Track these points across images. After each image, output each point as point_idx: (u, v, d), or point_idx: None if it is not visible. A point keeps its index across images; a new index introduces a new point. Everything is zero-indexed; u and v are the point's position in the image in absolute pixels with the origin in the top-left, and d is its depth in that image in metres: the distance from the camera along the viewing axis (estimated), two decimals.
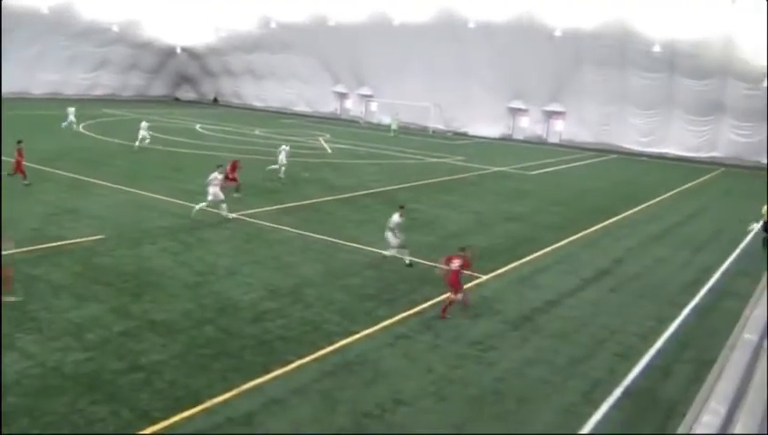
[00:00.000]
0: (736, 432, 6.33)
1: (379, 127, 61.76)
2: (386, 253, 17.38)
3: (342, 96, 70.04)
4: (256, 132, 48.93)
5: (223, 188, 21.32)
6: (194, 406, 9.34)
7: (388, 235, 17.26)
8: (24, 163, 24.43)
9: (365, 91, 67.00)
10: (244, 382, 10.14)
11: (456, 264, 13.84)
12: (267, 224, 20.81)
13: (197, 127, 49.25)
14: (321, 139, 47.98)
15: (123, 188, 24.59)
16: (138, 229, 18.93)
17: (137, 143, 35.02)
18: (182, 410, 9.19)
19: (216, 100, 79.17)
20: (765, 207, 23.23)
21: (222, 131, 47.63)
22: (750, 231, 24.06)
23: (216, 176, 20.94)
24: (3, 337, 10.97)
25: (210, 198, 20.76)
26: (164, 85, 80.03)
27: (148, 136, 35.78)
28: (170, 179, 27.18)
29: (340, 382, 10.45)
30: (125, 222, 19.63)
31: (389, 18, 55.20)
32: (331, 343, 11.87)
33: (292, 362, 11.00)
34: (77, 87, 69.07)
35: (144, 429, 8.70)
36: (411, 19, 54.37)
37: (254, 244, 18.43)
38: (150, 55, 73.51)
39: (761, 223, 23.29)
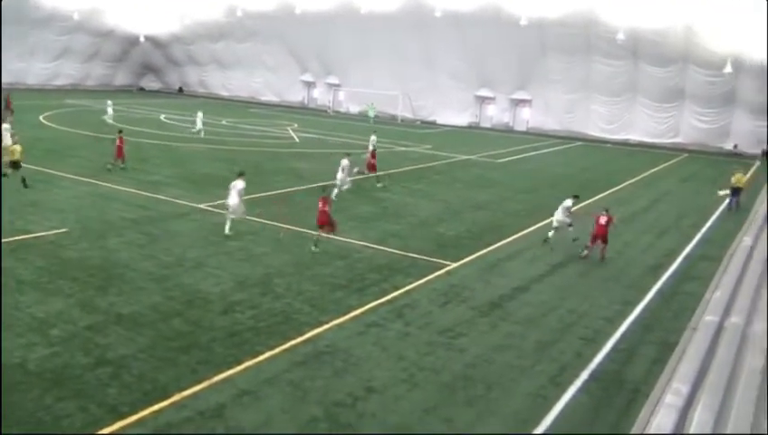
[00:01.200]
0: (698, 412, 6.50)
1: (347, 116, 61.61)
2: (549, 234, 19.41)
3: (310, 85, 69.52)
4: (223, 122, 48.32)
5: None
6: (163, 400, 9.25)
7: (559, 216, 19.24)
8: (124, 150, 26.90)
9: (333, 80, 66.60)
10: (215, 375, 10.07)
11: (603, 220, 18.06)
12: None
13: (162, 117, 48.45)
14: (288, 128, 47.61)
15: (87, 180, 24.11)
16: (102, 222, 18.59)
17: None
18: (151, 404, 9.09)
19: (181, 89, 77.92)
20: (734, 177, 27.20)
21: (188, 121, 46.90)
22: (719, 196, 27.13)
23: (238, 184, 18.61)
24: None
25: (230, 208, 18.46)
26: (128, 74, 78.40)
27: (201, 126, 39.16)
28: (135, 171, 26.71)
29: (311, 372, 10.45)
30: (89, 215, 19.26)
31: (357, 7, 54.87)
32: (302, 334, 11.85)
33: (262, 353, 10.96)
34: (38, 77, 67.34)
35: (112, 424, 8.59)
36: (378, 8, 54.13)
37: (221, 235, 18.22)
38: (113, 44, 71.90)
39: (728, 190, 26.88)
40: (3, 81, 62.23)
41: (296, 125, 49.81)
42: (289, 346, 11.31)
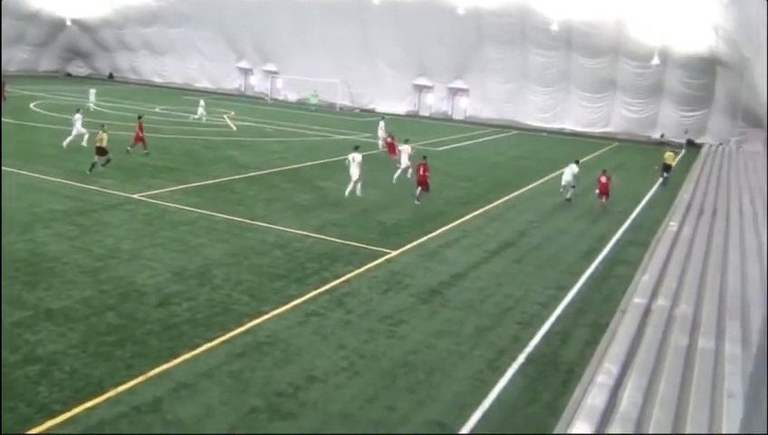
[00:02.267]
0: (628, 390, 6.79)
1: (286, 104, 60.93)
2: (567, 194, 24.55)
3: (247, 72, 68.29)
4: (156, 109, 46.96)
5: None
6: (96, 396, 8.97)
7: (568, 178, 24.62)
8: (143, 136, 28.18)
9: (270, 67, 65.61)
10: (151, 369, 9.84)
11: (603, 179, 23.48)
12: (170, 205, 20.12)
13: (91, 104, 46.69)
14: (225, 116, 46.70)
15: (11, 169, 23.00)
16: (29, 213, 17.81)
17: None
18: (83, 401, 8.81)
19: (111, 75, 75.22)
20: (666, 153, 31.50)
21: (119, 108, 45.39)
22: (655, 169, 31.62)
23: (355, 156, 23.03)
24: None
25: (355, 178, 22.63)
26: (53, 60, 75.00)
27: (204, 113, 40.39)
28: (63, 160, 25.69)
29: (251, 363, 10.34)
30: (15, 206, 18.39)
31: None
32: (241, 325, 11.70)
33: (200, 345, 10.77)
34: None
35: (42, 423, 8.28)
36: None
37: (156, 226, 17.78)
38: (38, 27, 68.53)
39: (661, 167, 30.98)
40: None
41: (233, 113, 48.92)
42: (228, 338, 11.15)
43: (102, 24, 69.64)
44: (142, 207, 19.70)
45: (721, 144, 44.67)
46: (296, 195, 23.07)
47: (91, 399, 8.89)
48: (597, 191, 24.30)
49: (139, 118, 29.34)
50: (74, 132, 28.63)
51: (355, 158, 23.24)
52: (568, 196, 25.10)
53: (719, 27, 39.18)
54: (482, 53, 53.81)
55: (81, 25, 70.05)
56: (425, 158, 24.32)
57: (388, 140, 32.97)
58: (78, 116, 29.38)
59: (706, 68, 45.57)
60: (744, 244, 14.38)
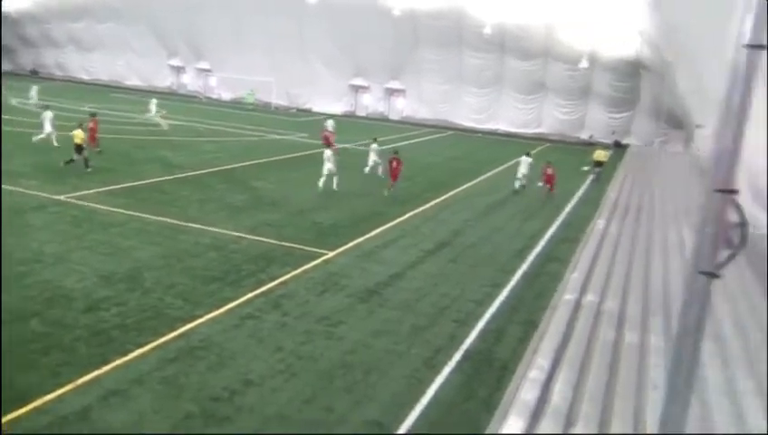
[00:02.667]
0: (559, 384, 6.99)
1: (220, 102, 59.83)
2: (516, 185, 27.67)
3: (179, 70, 66.62)
4: (84, 108, 45.24)
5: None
6: (21, 406, 8.58)
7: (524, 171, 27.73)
8: (97, 135, 27.79)
9: (204, 65, 64.23)
10: (79, 376, 9.48)
11: (549, 171, 26.41)
12: (99, 206, 19.43)
13: (14, 102, 44.63)
14: (157, 115, 45.40)
15: None
16: None
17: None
18: (7, 413, 8.40)
19: (35, 71, 71.99)
20: (595, 153, 34.06)
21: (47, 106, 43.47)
22: (584, 171, 33.77)
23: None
24: None
25: (332, 171, 24.62)
26: None
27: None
28: None
29: (185, 368, 10.11)
30: None
31: None
32: (174, 329, 11.42)
33: (131, 350, 10.45)
34: None
35: None
36: None
37: (84, 228, 17.14)
38: None
39: (592, 165, 33.36)
40: None
41: (165, 112, 47.62)
42: (160, 343, 10.86)
43: (25, 18, 66.57)
44: (69, 208, 18.95)
45: (646, 145, 46.56)
46: (231, 195, 22.69)
47: (15, 410, 8.49)
48: (540, 184, 28.09)
49: (93, 116, 29.10)
50: (46, 130, 28.49)
51: (326, 153, 25.41)
52: (517, 186, 28.06)
53: (644, 32, 40.88)
54: (418, 54, 54.28)
55: (2, 19, 66.69)
56: (396, 152, 26.17)
57: (326, 134, 34.66)
58: (48, 114, 29.05)
59: (632, 71, 47.45)
60: (667, 240, 15.04)
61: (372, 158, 28.88)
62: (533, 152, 36.04)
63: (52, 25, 66.94)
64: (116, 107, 47.54)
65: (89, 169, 24.01)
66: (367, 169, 28.74)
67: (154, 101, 43.33)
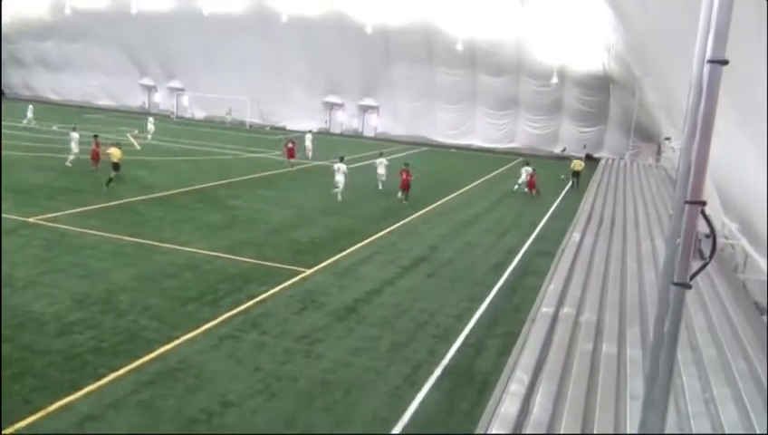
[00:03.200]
0: (539, 397, 7.04)
1: (193, 121, 59.56)
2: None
3: (151, 89, 66.23)
4: (54, 128, 44.73)
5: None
6: None
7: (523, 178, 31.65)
8: (100, 154, 28.73)
9: (176, 84, 63.95)
10: (52, 402, 9.30)
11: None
12: (70, 228, 19.17)
13: (26, 121, 44.16)
14: (128, 135, 45.07)
15: None
16: None
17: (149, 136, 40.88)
18: None
19: (1, 92, 70.95)
20: (573, 163, 37.15)
21: (11, 127, 42.88)
22: (561, 179, 37.04)
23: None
24: None
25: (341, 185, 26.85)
26: None
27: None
28: None
29: (162, 391, 9.98)
30: None
31: (198, 7, 53.20)
32: (150, 351, 11.27)
33: (105, 375, 10.29)
34: None
35: None
36: (222, 9, 52.87)
37: (55, 251, 16.89)
38: None
39: (570, 174, 36.35)
40: None
41: (137, 131, 47.29)
42: (136, 365, 10.72)
43: None
44: (40, 231, 18.67)
45: (616, 158, 47.31)
46: (206, 215, 22.55)
47: None
48: (526, 188, 32.41)
49: (95, 137, 30.65)
50: (74, 151, 30.49)
51: (340, 168, 27.35)
52: (515, 188, 32.67)
53: (611, 47, 41.73)
54: (390, 70, 54.69)
55: None
56: (407, 164, 28.58)
57: (289, 145, 35.87)
58: (74, 135, 30.95)
59: (601, 86, 48.37)
60: (641, 251, 15.26)
61: (381, 172, 30.46)
62: (507, 167, 36.58)
63: (20, 45, 66.18)
64: (87, 127, 47.01)
65: (107, 188, 25.31)
66: (381, 186, 30.32)
67: (151, 119, 45.78)
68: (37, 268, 15.31)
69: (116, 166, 26.15)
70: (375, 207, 26.50)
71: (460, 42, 48.16)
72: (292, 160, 35.48)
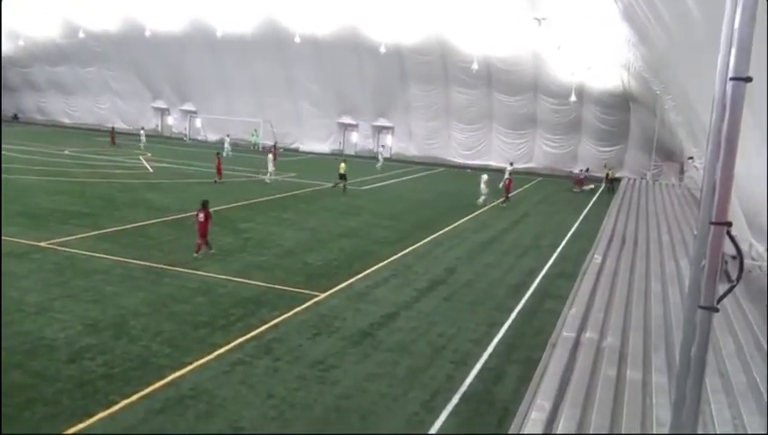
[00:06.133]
0: (561, 424, 6.95)
1: (205, 144, 60.19)
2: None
3: (164, 112, 67.15)
4: (66, 152, 45.40)
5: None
6: None
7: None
8: (222, 168, 36.46)
9: (189, 106, 64.81)
10: (62, 430, 9.32)
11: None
12: (81, 252, 19.35)
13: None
14: (141, 157, 45.62)
15: None
16: None
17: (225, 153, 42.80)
18: None
19: (16, 116, 72.30)
20: (606, 170, 43.83)
21: (24, 151, 43.62)
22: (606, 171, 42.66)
23: (483, 177, 34.36)
24: None
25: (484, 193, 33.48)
26: None
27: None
28: None
29: (173, 418, 9.96)
30: None
31: (212, 29, 54.02)
32: (162, 378, 11.28)
33: (117, 402, 10.30)
34: None
35: None
36: (235, 30, 53.62)
37: (66, 275, 17.03)
38: None
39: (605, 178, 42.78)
40: None
41: (150, 154, 47.85)
42: (147, 392, 10.72)
43: (5, 63, 67.14)
44: (51, 255, 18.86)
45: (637, 178, 47.07)
46: (218, 238, 22.65)
47: None
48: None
49: (218, 154, 37.65)
50: (270, 169, 37.90)
51: (483, 177, 34.05)
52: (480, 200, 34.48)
53: (630, 64, 41.72)
54: (405, 90, 55.05)
55: None
56: (510, 173, 35.58)
57: (273, 150, 41.35)
58: (269, 157, 38.90)
59: (621, 104, 48.31)
60: (665, 273, 15.10)
61: (483, 187, 34.03)
62: (524, 188, 36.49)
63: (33, 69, 67.54)
64: (98, 150, 47.72)
65: (344, 193, 33.72)
66: (480, 200, 33.96)
67: (227, 137, 51.44)
68: (48, 293, 15.44)
69: (342, 176, 35.90)
70: (388, 229, 26.46)
71: (476, 60, 48.41)
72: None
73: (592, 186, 46.01)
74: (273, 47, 54.04)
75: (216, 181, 35.72)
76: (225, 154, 41.05)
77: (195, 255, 19.78)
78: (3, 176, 32.42)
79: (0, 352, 9.59)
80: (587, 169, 52.13)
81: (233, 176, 39.58)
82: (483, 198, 34.19)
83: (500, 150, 55.32)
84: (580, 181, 45.40)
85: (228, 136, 54.21)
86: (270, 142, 60.00)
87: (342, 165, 37.30)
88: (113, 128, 58.10)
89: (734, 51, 3.41)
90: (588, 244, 23.95)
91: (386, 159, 56.91)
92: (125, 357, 12.11)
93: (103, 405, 10.17)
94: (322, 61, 53.80)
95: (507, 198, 35.86)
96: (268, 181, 37.05)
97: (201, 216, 20.17)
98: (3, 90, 72.10)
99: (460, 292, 18.20)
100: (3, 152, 42.09)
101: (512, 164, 37.34)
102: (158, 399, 10.56)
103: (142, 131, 55.50)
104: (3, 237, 20.31)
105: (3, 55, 65.53)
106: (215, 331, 13.77)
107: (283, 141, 60.89)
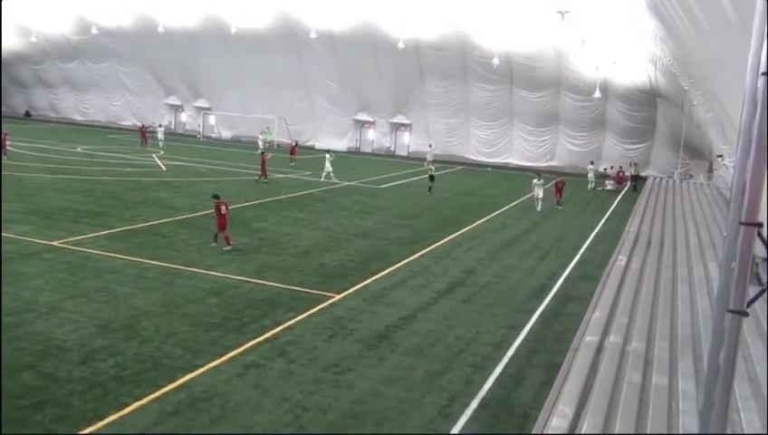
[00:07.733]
0: (583, 431, 6.90)
1: (219, 142, 60.54)
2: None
3: (177, 109, 67.63)
4: (78, 149, 45.92)
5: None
6: None
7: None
8: (267, 167, 36.95)
9: (202, 103, 65.20)
10: (74, 433, 9.42)
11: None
12: (94, 252, 19.56)
13: (7, 145, 45.34)
14: (154, 155, 46.01)
15: None
16: None
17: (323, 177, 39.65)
18: None
19: (28, 113, 73.22)
20: (634, 168, 44.81)
21: (36, 149, 44.17)
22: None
23: (537, 182, 33.83)
24: None
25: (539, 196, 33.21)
26: None
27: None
28: None
29: (185, 422, 10.04)
30: None
31: (226, 25, 54.28)
32: (174, 380, 11.37)
33: (128, 404, 10.40)
34: None
35: None
36: (249, 26, 53.82)
37: (78, 275, 17.23)
38: None
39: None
40: None
41: (163, 152, 48.25)
42: (159, 395, 10.82)
43: (17, 59, 68.02)
44: (63, 255, 19.08)
45: (664, 177, 46.65)
46: (232, 238, 22.78)
47: None
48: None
49: (262, 154, 38.84)
50: (327, 169, 38.93)
51: (536, 182, 33.95)
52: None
53: (657, 59, 41.32)
54: (423, 87, 54.92)
55: None
56: (561, 176, 35.06)
57: (293, 144, 43.96)
58: (327, 157, 39.54)
59: (647, 100, 47.79)
60: (693, 276, 14.95)
61: (537, 191, 33.79)
62: (546, 187, 36.30)
63: (45, 66, 68.32)
64: (111, 148, 48.19)
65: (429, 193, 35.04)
66: (538, 207, 33.70)
67: (328, 156, 45.83)
68: (60, 293, 15.63)
69: (431, 178, 37.50)
70: (405, 228, 26.44)
71: (496, 56, 48.17)
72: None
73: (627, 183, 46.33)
74: (288, 43, 54.18)
75: (257, 180, 36.52)
76: (260, 151, 42.06)
77: (212, 244, 21.21)
78: (16, 174, 32.87)
79: (0, 352, 9.64)
80: (611, 168, 51.70)
81: (244, 174, 39.79)
82: (539, 203, 33.59)
83: (521, 148, 55.01)
84: (619, 178, 45.96)
85: (262, 132, 55.20)
86: (286, 140, 60.34)
87: (327, 155, 40.51)
88: (143, 126, 57.21)
89: (765, 46, 3.37)
90: (611, 245, 23.77)
91: (404, 157, 56.90)
92: (137, 359, 12.22)
93: (114, 407, 10.27)
94: (339, 57, 53.85)
95: (559, 201, 35.44)
96: (323, 180, 38.55)
97: (223, 208, 21.05)
98: (15, 86, 73.02)
99: (479, 294, 18.15)
100: (15, 150, 42.67)
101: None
102: (169, 402, 10.64)
103: (160, 129, 55.36)
104: (16, 236, 20.60)
105: (15, 52, 66.35)
106: (228, 332, 13.86)
107: (298, 138, 61.02)
